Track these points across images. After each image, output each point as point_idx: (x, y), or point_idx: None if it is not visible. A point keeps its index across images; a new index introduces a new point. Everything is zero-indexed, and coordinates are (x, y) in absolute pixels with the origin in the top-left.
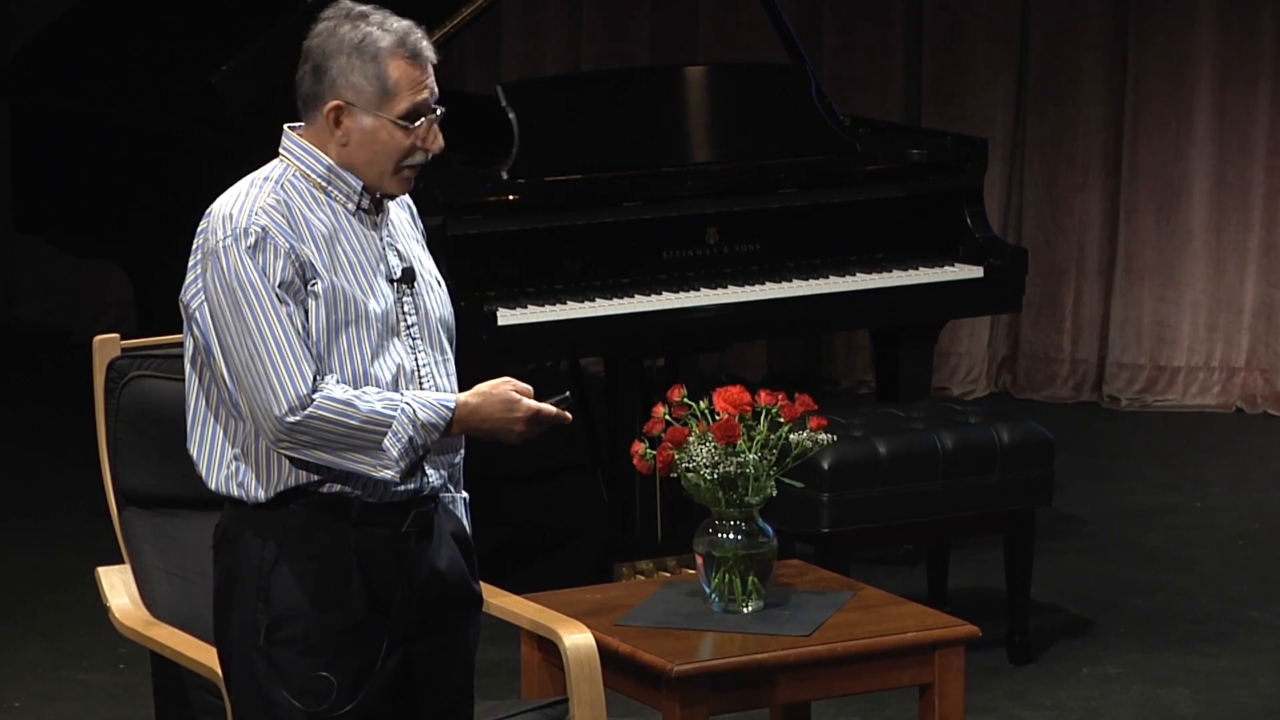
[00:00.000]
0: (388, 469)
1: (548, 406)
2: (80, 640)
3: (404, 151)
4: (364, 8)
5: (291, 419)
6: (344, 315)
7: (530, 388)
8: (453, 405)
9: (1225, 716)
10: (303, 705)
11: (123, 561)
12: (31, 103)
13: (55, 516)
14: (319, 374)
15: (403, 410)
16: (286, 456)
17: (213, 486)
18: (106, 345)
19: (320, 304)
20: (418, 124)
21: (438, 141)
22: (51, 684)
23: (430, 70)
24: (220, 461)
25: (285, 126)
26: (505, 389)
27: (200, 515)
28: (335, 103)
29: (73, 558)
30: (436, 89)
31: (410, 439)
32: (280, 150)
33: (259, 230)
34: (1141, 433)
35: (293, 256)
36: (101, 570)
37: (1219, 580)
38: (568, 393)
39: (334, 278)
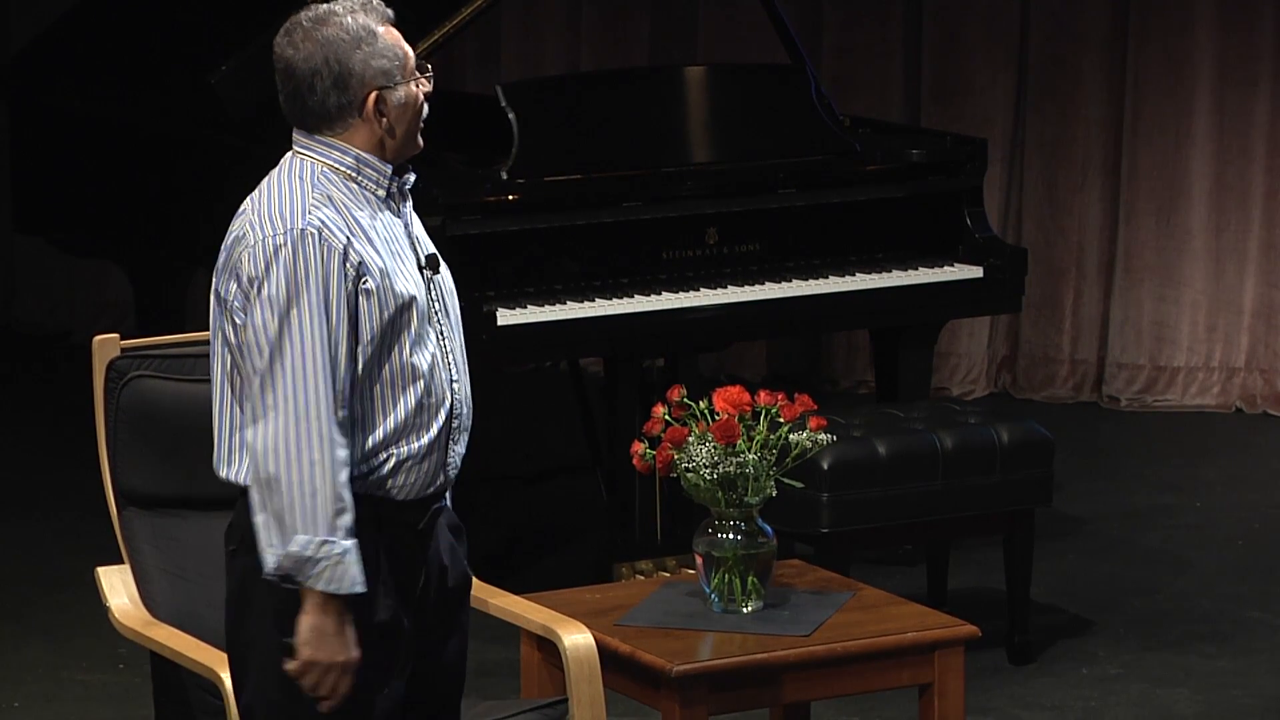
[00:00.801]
0: (271, 552)
1: (345, 684)
2: (80, 640)
3: (422, 103)
4: (320, 8)
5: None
6: (394, 307)
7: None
8: (355, 593)
9: (1225, 716)
10: (345, 703)
11: (123, 561)
12: (31, 103)
13: (55, 516)
14: (340, 404)
15: (340, 543)
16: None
17: (248, 482)
18: (106, 345)
19: (372, 300)
20: (424, 73)
21: (430, 86)
22: (51, 684)
23: None
24: None
25: (295, 126)
26: (355, 658)
27: (200, 515)
28: (373, 93)
29: (73, 558)
30: None
31: (308, 559)
32: (297, 148)
33: (315, 230)
34: (1141, 433)
35: (348, 254)
36: (101, 570)
37: (1219, 580)
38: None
39: (383, 270)
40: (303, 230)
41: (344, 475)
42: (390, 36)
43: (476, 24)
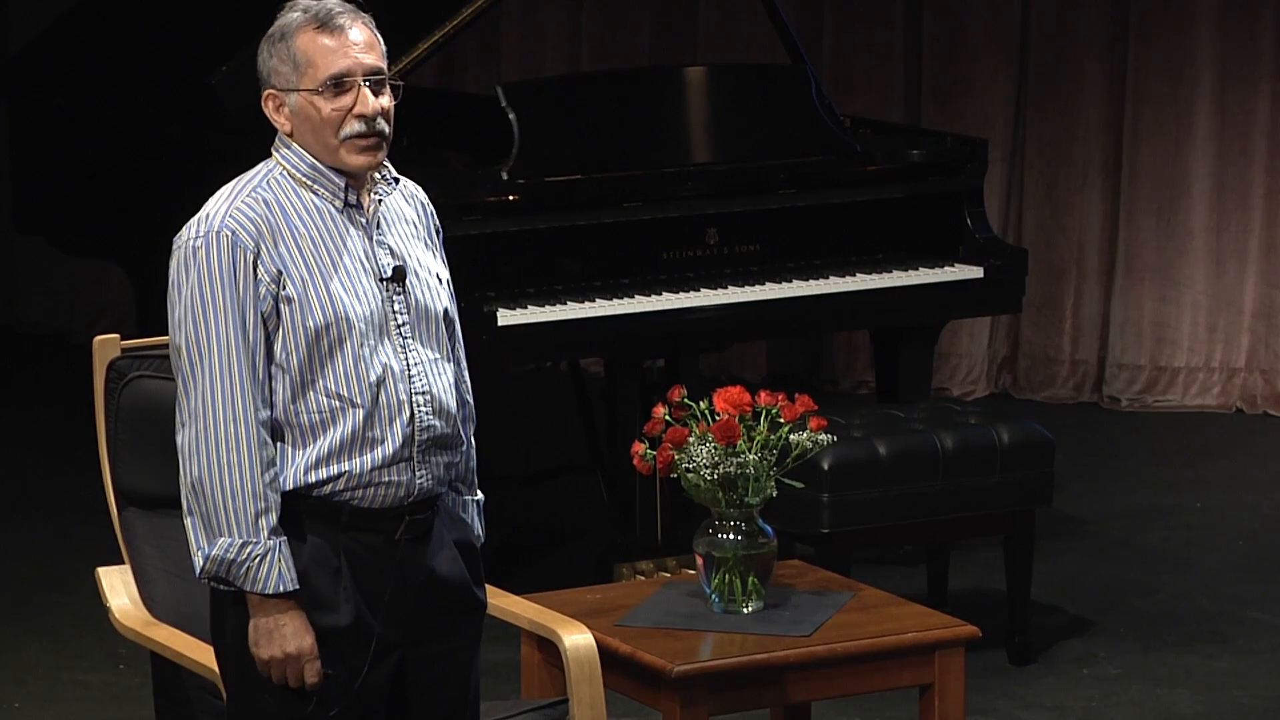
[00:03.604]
0: (199, 554)
1: (311, 670)
2: (80, 640)
3: (335, 121)
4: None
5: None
6: (322, 317)
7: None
8: (282, 593)
9: (1225, 716)
10: (289, 707)
11: (123, 561)
12: (32, 103)
13: (55, 516)
14: (261, 405)
15: (262, 543)
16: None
17: None
18: (106, 345)
19: (294, 308)
20: (342, 92)
21: (369, 104)
22: (51, 684)
23: (352, 38)
24: None
25: None
26: (307, 646)
27: None
28: (267, 93)
29: (73, 558)
30: (370, 60)
31: (231, 561)
32: (272, 148)
33: (229, 232)
34: (1141, 433)
35: (260, 258)
36: (101, 570)
37: (1219, 580)
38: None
39: (311, 279)
40: (217, 233)
41: (268, 475)
42: (306, 44)
43: (476, 24)
